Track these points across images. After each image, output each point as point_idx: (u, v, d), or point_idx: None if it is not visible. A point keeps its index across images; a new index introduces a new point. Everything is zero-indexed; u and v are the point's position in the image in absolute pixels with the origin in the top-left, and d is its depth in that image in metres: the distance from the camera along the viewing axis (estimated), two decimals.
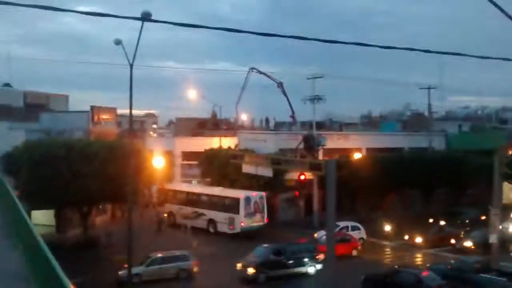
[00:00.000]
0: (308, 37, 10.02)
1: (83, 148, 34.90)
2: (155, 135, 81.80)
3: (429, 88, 56.59)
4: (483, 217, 43.27)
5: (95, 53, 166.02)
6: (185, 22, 8.73)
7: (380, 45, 10.53)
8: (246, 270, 30.26)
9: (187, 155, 53.83)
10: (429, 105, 58.70)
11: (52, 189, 32.89)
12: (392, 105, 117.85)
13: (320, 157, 48.06)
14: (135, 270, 28.58)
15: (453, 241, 39.12)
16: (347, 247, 36.00)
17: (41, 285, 9.36)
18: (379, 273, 29.29)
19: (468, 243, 37.70)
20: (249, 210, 41.01)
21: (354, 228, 39.95)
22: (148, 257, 30.94)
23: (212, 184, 47.08)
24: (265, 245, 32.58)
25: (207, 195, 44.22)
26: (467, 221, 43.23)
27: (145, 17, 16.37)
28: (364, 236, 40.43)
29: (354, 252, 36.56)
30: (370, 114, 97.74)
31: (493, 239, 32.20)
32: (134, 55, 23.35)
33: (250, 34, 9.48)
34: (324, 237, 36.72)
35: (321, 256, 32.26)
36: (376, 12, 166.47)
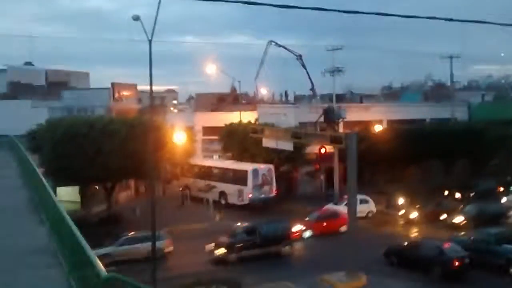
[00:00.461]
0: (327, 8, 9.91)
1: (105, 125, 35.18)
2: (175, 111, 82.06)
3: (451, 58, 55.65)
4: (501, 188, 42.54)
5: (114, 29, 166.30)
6: None
7: (401, 14, 10.39)
8: (217, 250, 29.21)
9: (208, 130, 53.98)
10: (451, 75, 57.84)
11: (76, 166, 33.28)
12: (414, 76, 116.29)
13: (341, 129, 47.85)
14: (105, 250, 27.46)
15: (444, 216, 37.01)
16: (333, 224, 34.22)
17: (68, 259, 9.59)
18: (401, 245, 29.34)
19: (459, 219, 35.90)
20: (256, 182, 42.25)
21: (362, 201, 38.41)
22: (119, 237, 29.62)
23: (233, 158, 47.44)
24: (242, 224, 31.67)
25: (218, 168, 46.19)
26: (473, 194, 40.94)
27: None
28: (374, 210, 40.15)
29: (343, 228, 32.71)
30: (391, 86, 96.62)
31: None
32: (153, 31, 23.28)
33: (269, 6, 9.42)
34: (313, 214, 36.58)
35: (297, 235, 32.02)
36: None
